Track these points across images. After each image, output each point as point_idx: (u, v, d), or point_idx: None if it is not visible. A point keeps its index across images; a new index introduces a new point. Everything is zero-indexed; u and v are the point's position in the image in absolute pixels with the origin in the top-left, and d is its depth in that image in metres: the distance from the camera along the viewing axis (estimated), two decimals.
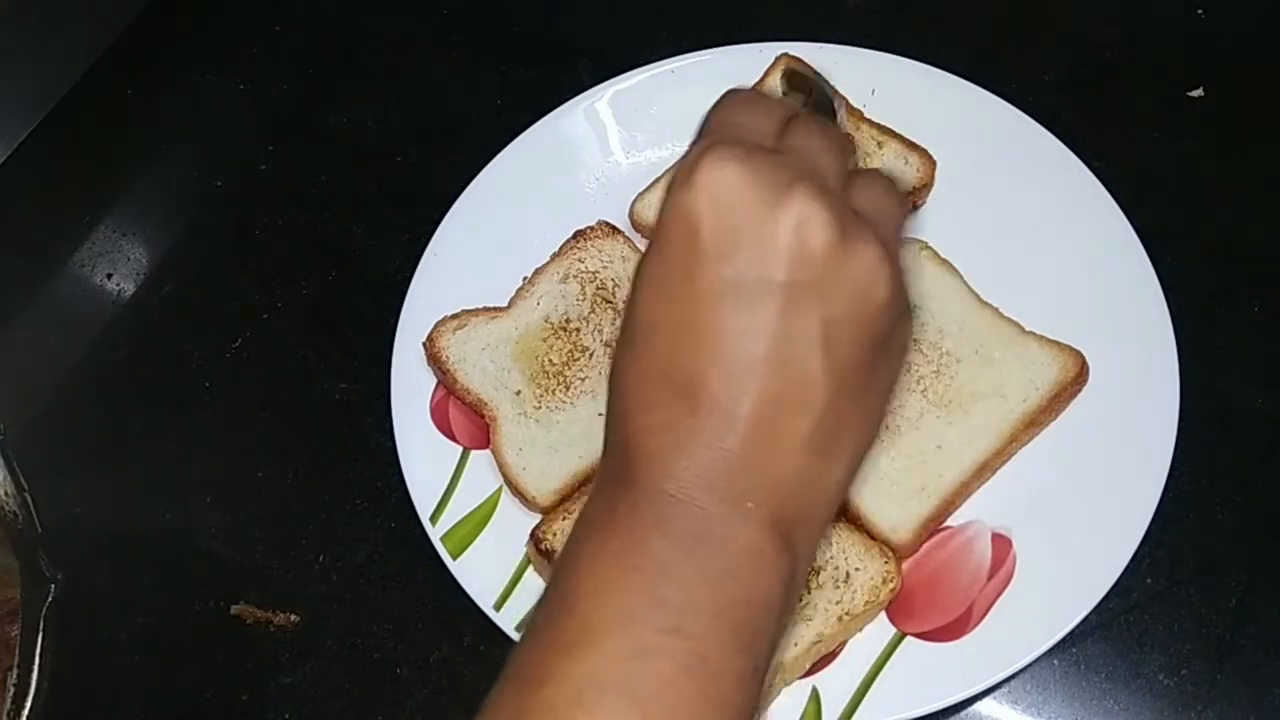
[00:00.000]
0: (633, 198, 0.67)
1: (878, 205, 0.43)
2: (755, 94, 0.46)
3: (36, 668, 0.48)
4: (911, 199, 0.65)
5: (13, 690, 0.48)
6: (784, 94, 0.64)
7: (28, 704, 0.48)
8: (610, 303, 0.65)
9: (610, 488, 0.41)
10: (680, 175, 0.40)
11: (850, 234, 0.39)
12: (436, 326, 0.64)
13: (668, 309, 0.40)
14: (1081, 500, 0.57)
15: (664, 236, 0.40)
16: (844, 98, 0.63)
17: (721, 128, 0.43)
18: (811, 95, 0.58)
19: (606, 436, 0.42)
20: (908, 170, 0.65)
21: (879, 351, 0.41)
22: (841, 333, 0.40)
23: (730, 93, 0.45)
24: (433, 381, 0.64)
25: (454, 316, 0.64)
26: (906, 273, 0.42)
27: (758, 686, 0.39)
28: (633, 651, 0.37)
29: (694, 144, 0.42)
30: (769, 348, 0.39)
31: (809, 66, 0.63)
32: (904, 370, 0.48)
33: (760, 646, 0.39)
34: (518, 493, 0.60)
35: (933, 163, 0.65)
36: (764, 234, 0.39)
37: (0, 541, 0.56)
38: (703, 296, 0.39)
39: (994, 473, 0.59)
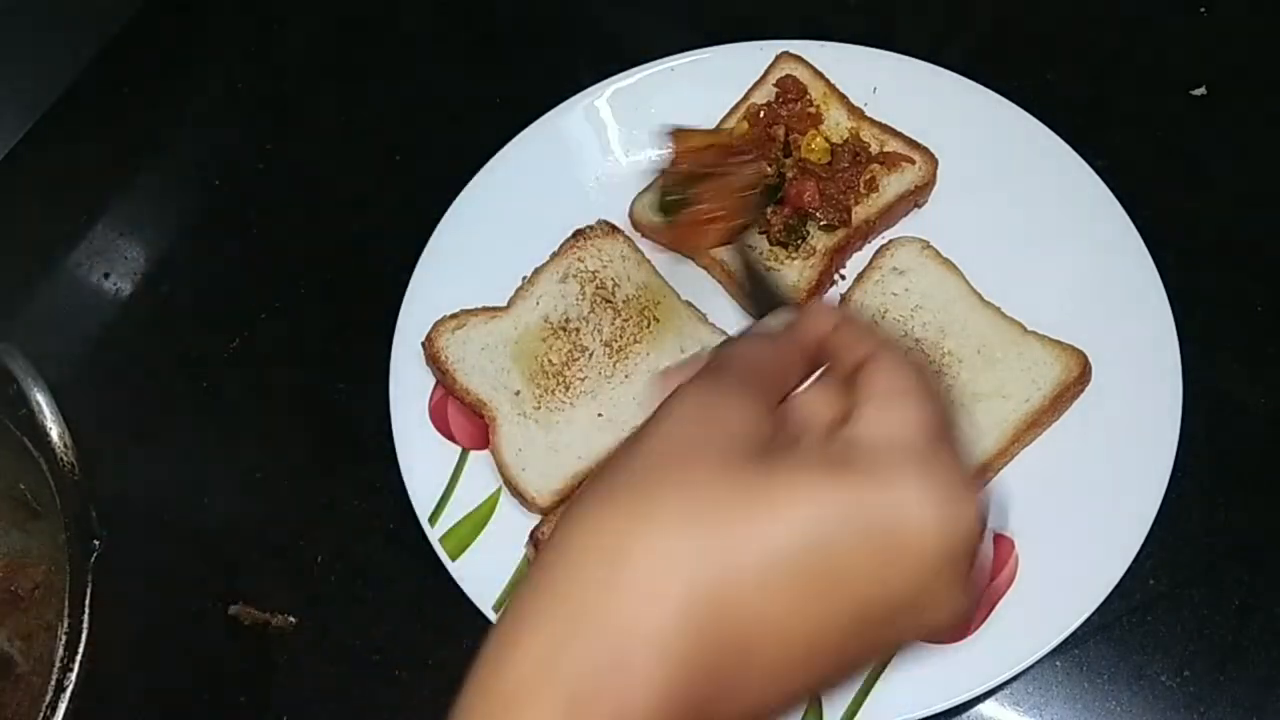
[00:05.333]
0: (633, 197, 0.67)
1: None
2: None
3: (87, 616, 0.49)
4: (913, 198, 0.65)
5: (64, 639, 0.48)
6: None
7: (80, 650, 0.48)
8: (610, 302, 0.64)
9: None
10: (950, 502, 0.33)
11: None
12: (435, 326, 0.64)
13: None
14: (1084, 501, 0.57)
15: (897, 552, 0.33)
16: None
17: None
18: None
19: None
20: (910, 171, 0.65)
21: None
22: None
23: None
24: (432, 382, 0.64)
25: (453, 316, 0.64)
26: None
27: None
28: None
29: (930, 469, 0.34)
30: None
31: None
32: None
33: None
34: (517, 493, 0.60)
35: (935, 161, 0.65)
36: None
37: (18, 524, 0.57)
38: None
39: (996, 473, 0.59)
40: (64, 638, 0.49)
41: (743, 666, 0.33)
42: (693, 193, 0.57)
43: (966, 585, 0.35)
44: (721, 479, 0.33)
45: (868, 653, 0.36)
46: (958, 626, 0.36)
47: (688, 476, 0.34)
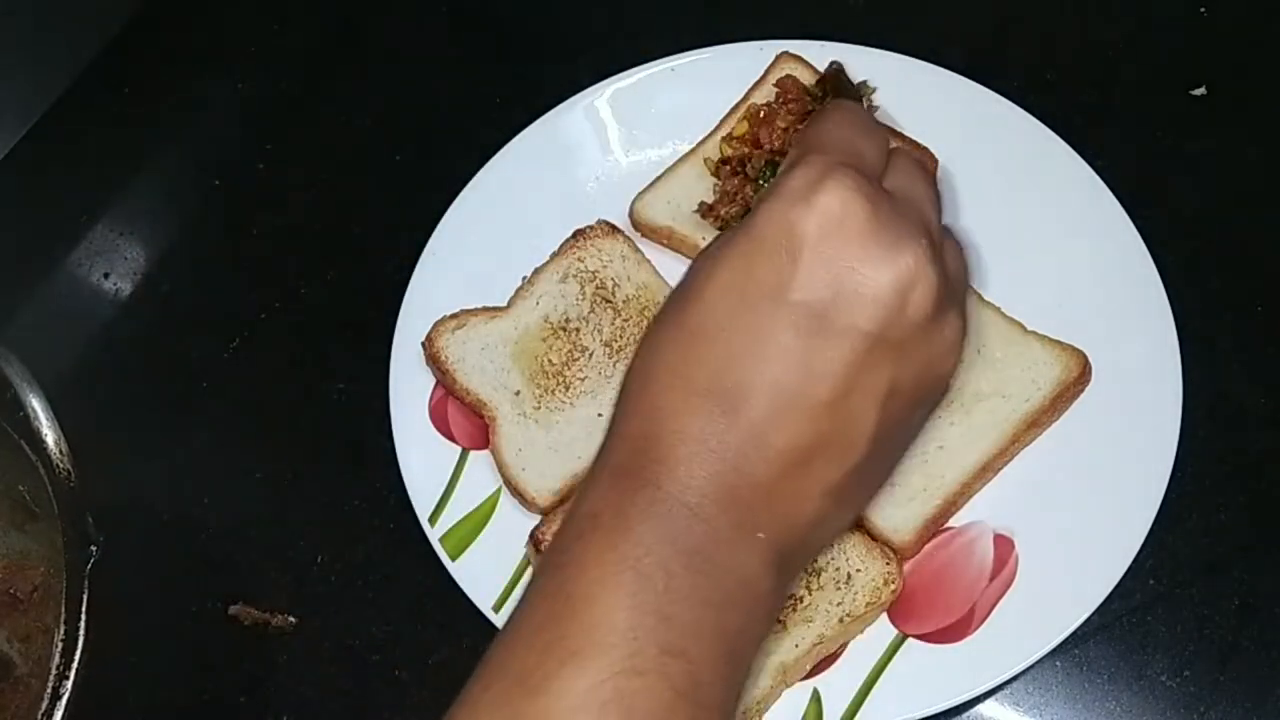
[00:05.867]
0: (633, 197, 0.67)
1: (958, 268, 0.42)
2: (866, 115, 0.44)
3: (83, 624, 0.49)
4: None
5: (60, 646, 0.49)
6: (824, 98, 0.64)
7: (76, 657, 0.48)
8: (610, 302, 0.64)
9: (621, 484, 0.39)
10: (796, 186, 0.38)
11: (946, 304, 0.39)
12: (435, 326, 0.64)
13: (738, 317, 0.38)
14: (1084, 501, 0.57)
15: (758, 243, 0.38)
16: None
17: (838, 147, 0.40)
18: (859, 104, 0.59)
19: (619, 425, 0.40)
20: None
21: (919, 416, 0.41)
22: (901, 394, 0.39)
23: (839, 106, 0.43)
24: (431, 382, 0.64)
25: (453, 316, 0.64)
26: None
27: (733, 718, 0.38)
28: (634, 669, 0.35)
29: (806, 155, 0.39)
30: (832, 392, 0.38)
31: (848, 76, 0.64)
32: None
33: (740, 677, 0.38)
34: (517, 493, 0.60)
35: (935, 161, 0.65)
36: (868, 280, 0.37)
37: (16, 525, 0.57)
38: (782, 318, 0.38)
39: (996, 473, 0.59)
40: (60, 645, 0.49)
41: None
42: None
43: (941, 323, 0.39)
44: None
45: (914, 432, 0.42)
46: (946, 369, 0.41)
47: None
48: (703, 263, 0.40)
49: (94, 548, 0.50)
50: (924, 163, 0.44)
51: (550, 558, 0.39)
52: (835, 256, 0.37)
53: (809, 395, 0.37)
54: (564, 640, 0.36)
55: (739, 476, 0.38)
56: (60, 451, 0.52)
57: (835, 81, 0.64)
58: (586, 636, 0.36)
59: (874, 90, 0.66)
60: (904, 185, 0.41)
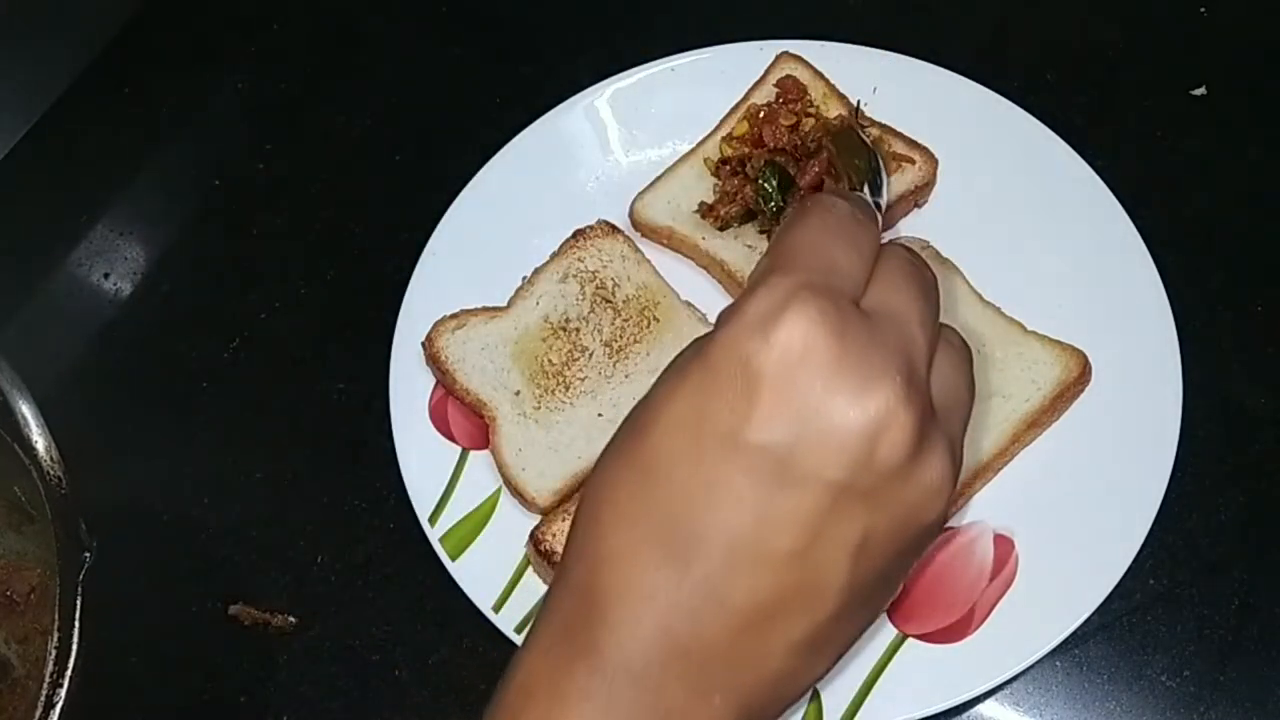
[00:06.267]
0: (632, 197, 0.67)
1: (954, 389, 0.38)
2: (851, 215, 0.38)
3: (77, 630, 0.49)
4: (913, 198, 0.65)
5: (54, 652, 0.48)
6: (832, 154, 0.60)
7: (69, 664, 0.48)
8: (610, 302, 0.64)
9: (563, 643, 0.35)
10: (754, 315, 0.34)
11: (924, 448, 0.34)
12: (435, 326, 0.64)
13: (692, 459, 0.34)
14: (1084, 501, 0.57)
15: (712, 378, 0.34)
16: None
17: (810, 258, 0.36)
18: (859, 161, 0.52)
19: (565, 569, 0.36)
20: (910, 171, 0.65)
21: (904, 564, 0.37)
22: (877, 546, 0.35)
23: (818, 206, 0.37)
24: (431, 382, 0.64)
25: (453, 316, 0.64)
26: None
27: None
28: None
29: (773, 272, 0.35)
30: (796, 544, 0.34)
31: (860, 132, 0.59)
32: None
33: None
34: (517, 493, 0.60)
35: (935, 161, 0.65)
36: (833, 426, 0.33)
37: (13, 526, 0.57)
38: (740, 463, 0.34)
39: (996, 473, 0.59)
40: (54, 651, 0.48)
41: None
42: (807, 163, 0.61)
43: (928, 458, 0.35)
44: None
45: (895, 585, 0.37)
46: (940, 508, 0.36)
47: None
48: (657, 389, 0.36)
49: (87, 553, 0.50)
50: (916, 262, 0.38)
51: (488, 715, 0.36)
52: (795, 396, 0.33)
53: (770, 547, 0.34)
54: None
55: (691, 636, 0.34)
56: (51, 458, 0.52)
57: (840, 135, 0.59)
58: None
59: (865, 104, 0.66)
60: (886, 301, 0.36)
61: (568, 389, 0.62)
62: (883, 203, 0.46)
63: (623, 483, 0.36)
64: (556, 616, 0.36)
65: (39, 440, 0.52)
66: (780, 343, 0.33)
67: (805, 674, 0.37)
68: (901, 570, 0.37)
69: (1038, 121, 0.65)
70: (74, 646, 0.49)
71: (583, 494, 0.37)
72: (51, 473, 0.51)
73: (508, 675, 0.36)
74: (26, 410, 0.52)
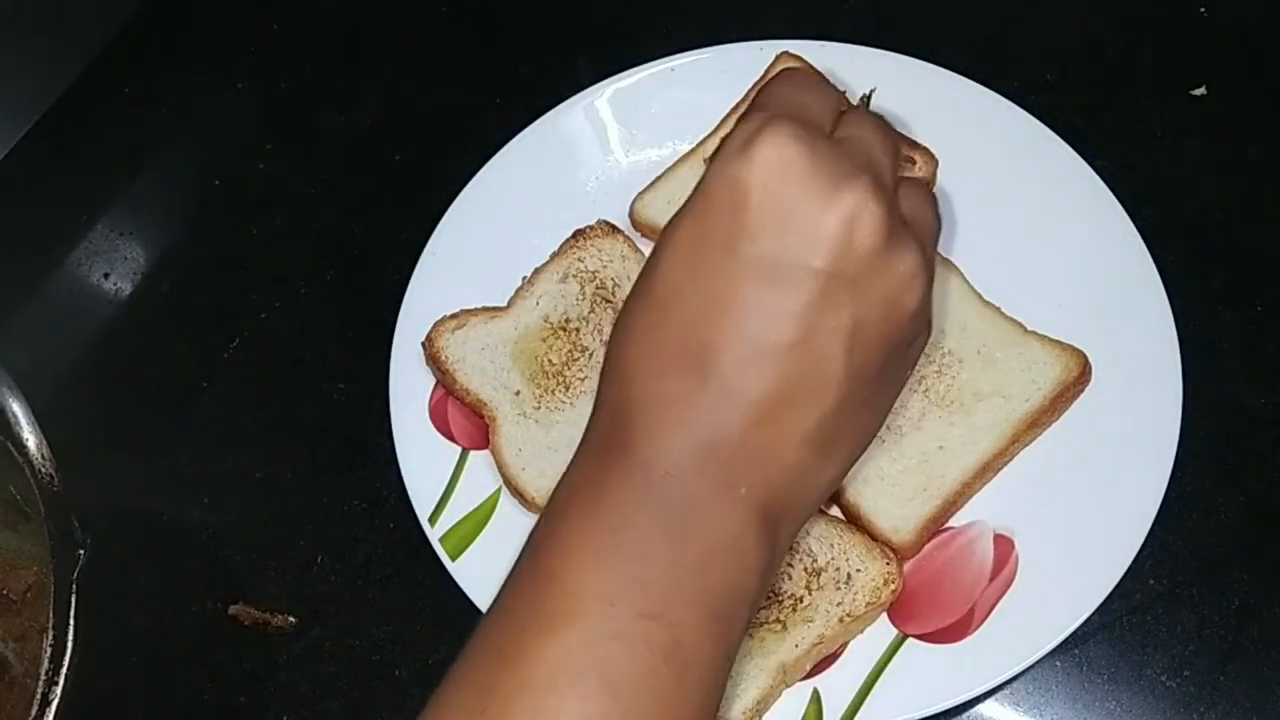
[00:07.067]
0: (633, 197, 0.67)
1: (922, 213, 0.42)
2: (816, 75, 0.45)
3: (72, 628, 0.49)
4: None
5: (49, 651, 0.49)
6: None
7: (65, 663, 0.48)
8: (610, 302, 0.64)
9: (600, 456, 0.40)
10: (735, 144, 0.39)
11: (896, 237, 0.39)
12: (435, 326, 0.64)
13: (697, 277, 0.39)
14: (1084, 501, 0.57)
15: (706, 204, 0.39)
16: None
17: (781, 103, 0.42)
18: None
19: (600, 397, 0.41)
20: (910, 171, 0.65)
21: (895, 358, 0.41)
22: (867, 333, 0.39)
23: (790, 70, 0.45)
24: (431, 382, 0.64)
25: (453, 316, 0.64)
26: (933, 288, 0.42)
27: (726, 673, 0.39)
28: (611, 634, 0.36)
29: (748, 115, 0.41)
30: (794, 335, 0.38)
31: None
32: (910, 381, 0.47)
33: (732, 635, 0.39)
34: (517, 493, 0.60)
35: (934, 161, 0.65)
36: (813, 220, 0.38)
37: (8, 525, 0.57)
38: (737, 271, 0.38)
39: (996, 473, 0.59)
40: (49, 650, 0.48)
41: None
42: None
43: (899, 248, 0.39)
44: None
45: (893, 381, 0.42)
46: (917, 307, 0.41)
47: None
48: (664, 231, 0.41)
49: (81, 551, 0.50)
50: (880, 118, 0.45)
51: (532, 537, 0.40)
52: (779, 202, 0.38)
53: (772, 341, 0.38)
54: (540, 612, 0.37)
55: (713, 433, 0.38)
56: (42, 455, 0.52)
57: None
58: (562, 606, 0.37)
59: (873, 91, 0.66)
60: (852, 133, 0.42)
61: (568, 389, 0.62)
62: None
63: (639, 311, 0.40)
64: (592, 436, 0.40)
65: (30, 438, 0.52)
66: (760, 159, 0.38)
67: (818, 471, 0.40)
68: (893, 366, 0.41)
69: (1038, 121, 0.65)
70: (69, 644, 0.49)
71: (611, 333, 0.42)
72: (43, 470, 0.52)
73: (556, 488, 0.40)
74: (17, 408, 0.52)
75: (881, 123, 0.44)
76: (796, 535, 0.42)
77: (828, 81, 0.45)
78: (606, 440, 0.40)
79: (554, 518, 0.40)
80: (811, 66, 0.44)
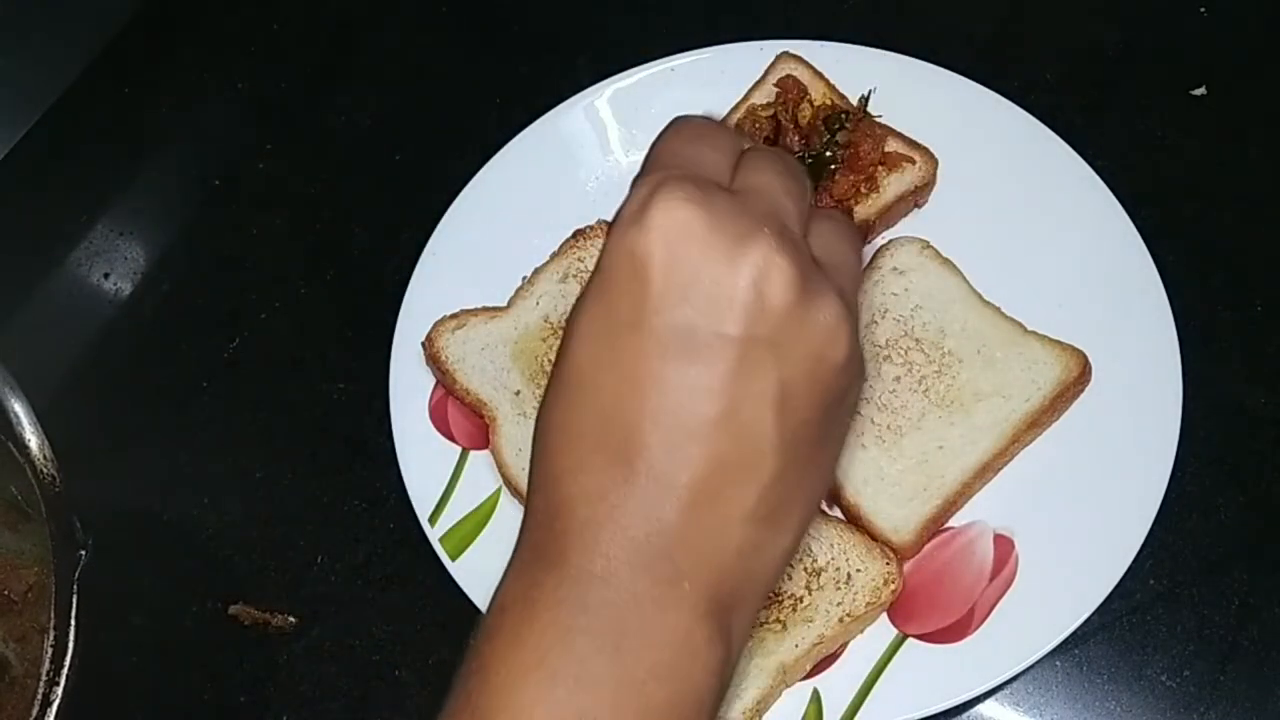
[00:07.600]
0: None
1: (837, 252, 0.40)
2: (706, 123, 0.41)
3: (73, 629, 0.49)
4: (913, 198, 0.65)
5: (50, 650, 0.48)
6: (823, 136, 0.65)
7: (66, 662, 0.48)
8: None
9: (529, 569, 0.37)
10: (629, 213, 0.37)
11: (811, 289, 0.36)
12: (435, 327, 0.64)
13: (609, 360, 0.36)
14: (1084, 501, 0.57)
15: (607, 280, 0.37)
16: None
17: (672, 160, 0.39)
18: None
19: (529, 504, 0.38)
20: (910, 171, 0.65)
21: (830, 413, 0.38)
22: (796, 395, 0.36)
23: (679, 121, 0.41)
24: (431, 382, 0.64)
25: (453, 316, 0.64)
26: (861, 329, 0.39)
27: None
28: None
29: (641, 177, 0.38)
30: (719, 409, 0.35)
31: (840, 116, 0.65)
32: (852, 429, 0.43)
33: None
34: (517, 493, 0.60)
35: (935, 161, 0.65)
36: (720, 283, 0.35)
37: (9, 525, 0.57)
38: (649, 348, 0.35)
39: (996, 473, 0.59)
40: (50, 650, 0.48)
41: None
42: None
43: (819, 302, 0.36)
44: None
45: (833, 437, 0.39)
46: (848, 360, 0.38)
47: None
48: (571, 315, 0.38)
49: (82, 551, 0.50)
50: (783, 154, 0.41)
51: (463, 664, 0.37)
52: (681, 269, 0.35)
53: (696, 418, 0.35)
54: None
55: (648, 526, 0.35)
56: (44, 456, 0.52)
57: (827, 116, 0.65)
58: None
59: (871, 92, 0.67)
60: (749, 180, 0.39)
61: None
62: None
63: (559, 403, 0.38)
64: (525, 541, 0.37)
65: (32, 438, 0.52)
66: (655, 225, 0.36)
67: (770, 546, 0.38)
68: (831, 422, 0.38)
69: (1038, 121, 0.65)
70: (70, 644, 0.49)
71: (534, 431, 0.39)
72: (45, 471, 0.52)
73: (487, 608, 0.37)
74: (20, 409, 0.52)
75: (784, 160, 0.40)
76: (755, 618, 0.39)
77: (721, 125, 0.42)
78: (537, 550, 0.37)
79: (483, 645, 0.36)
80: (710, 119, 0.41)
